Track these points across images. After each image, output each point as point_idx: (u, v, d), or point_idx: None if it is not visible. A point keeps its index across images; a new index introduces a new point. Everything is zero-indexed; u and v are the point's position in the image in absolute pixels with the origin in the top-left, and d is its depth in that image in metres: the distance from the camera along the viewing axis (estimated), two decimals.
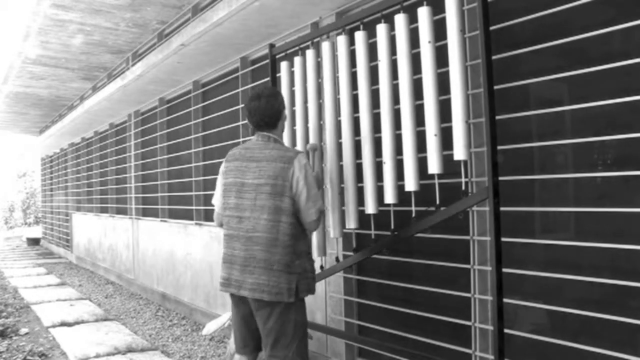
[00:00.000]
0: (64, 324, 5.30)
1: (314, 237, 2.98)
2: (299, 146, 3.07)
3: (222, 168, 2.60)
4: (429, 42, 2.36)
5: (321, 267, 3.00)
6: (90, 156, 9.75)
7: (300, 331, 2.44)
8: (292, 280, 2.36)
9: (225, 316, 3.79)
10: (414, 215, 2.53)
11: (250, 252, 2.40)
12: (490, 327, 2.49)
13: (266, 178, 2.39)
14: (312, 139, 3.03)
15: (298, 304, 2.43)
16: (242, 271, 2.42)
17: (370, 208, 2.70)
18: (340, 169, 2.88)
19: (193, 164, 5.61)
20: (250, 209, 2.42)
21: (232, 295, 2.52)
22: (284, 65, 3.26)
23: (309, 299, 2.56)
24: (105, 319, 5.52)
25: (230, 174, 2.52)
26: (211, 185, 5.40)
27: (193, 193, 5.58)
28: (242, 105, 4.66)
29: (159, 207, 6.51)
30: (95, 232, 9.45)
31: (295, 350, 2.38)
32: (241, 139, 4.63)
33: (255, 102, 2.49)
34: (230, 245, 2.49)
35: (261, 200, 2.39)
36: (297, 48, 3.17)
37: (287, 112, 3.08)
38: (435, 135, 2.34)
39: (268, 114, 2.47)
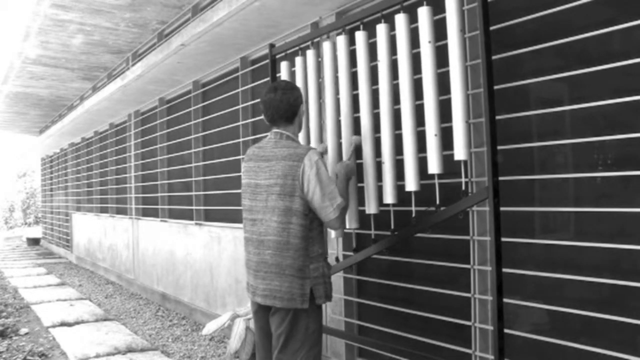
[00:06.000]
0: (64, 324, 5.30)
1: None
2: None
3: (242, 169, 2.53)
4: (429, 42, 2.36)
5: None
6: (90, 156, 9.74)
7: (312, 338, 2.31)
8: (305, 285, 2.25)
9: (225, 316, 3.78)
10: (414, 215, 2.53)
11: (262, 256, 2.32)
12: (490, 327, 2.49)
13: (275, 178, 2.28)
14: (313, 139, 3.03)
15: (311, 310, 2.30)
16: (255, 276, 2.35)
17: (370, 208, 2.70)
18: None
19: (193, 164, 5.61)
20: (262, 211, 2.32)
21: (252, 302, 2.43)
22: (284, 65, 3.26)
23: None
24: (105, 319, 5.52)
25: (246, 175, 2.44)
26: (211, 185, 5.40)
27: (193, 193, 5.58)
28: (242, 106, 4.66)
29: (159, 207, 6.51)
30: (95, 232, 9.45)
31: (304, 356, 2.27)
32: (241, 139, 4.63)
33: (270, 94, 2.37)
34: (247, 249, 2.42)
35: (272, 201, 2.29)
36: (297, 48, 3.17)
37: None
38: (436, 135, 2.34)
39: (283, 107, 2.35)
